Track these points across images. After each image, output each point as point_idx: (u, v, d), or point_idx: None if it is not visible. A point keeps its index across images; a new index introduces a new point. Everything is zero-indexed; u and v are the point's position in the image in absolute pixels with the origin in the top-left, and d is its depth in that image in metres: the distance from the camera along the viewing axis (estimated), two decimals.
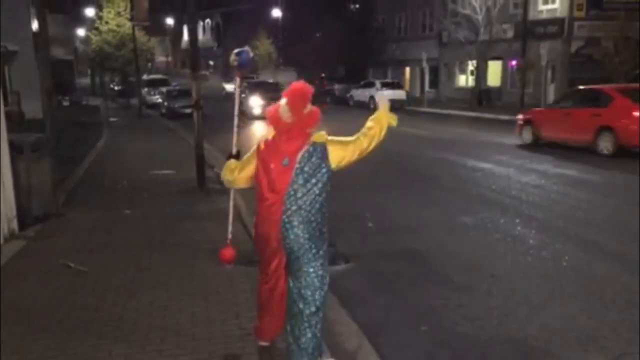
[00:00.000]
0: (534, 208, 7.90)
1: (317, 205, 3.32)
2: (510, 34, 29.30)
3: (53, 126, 15.66)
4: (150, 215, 7.62)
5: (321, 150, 3.31)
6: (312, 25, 41.50)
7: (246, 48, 3.79)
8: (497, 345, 4.13)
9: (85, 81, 50.39)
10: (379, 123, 3.50)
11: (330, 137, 3.39)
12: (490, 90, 30.65)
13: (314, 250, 3.36)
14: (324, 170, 3.31)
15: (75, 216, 7.53)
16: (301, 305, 3.34)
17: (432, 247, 6.33)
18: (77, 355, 3.74)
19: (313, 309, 3.35)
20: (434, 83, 36.43)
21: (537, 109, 16.33)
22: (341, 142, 3.40)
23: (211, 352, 3.80)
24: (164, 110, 27.57)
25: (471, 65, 31.76)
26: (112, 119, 24.57)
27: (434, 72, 36.18)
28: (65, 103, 30.64)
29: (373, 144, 3.46)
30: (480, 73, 30.67)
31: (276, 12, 50.16)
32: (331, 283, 5.26)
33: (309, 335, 3.35)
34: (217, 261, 3.87)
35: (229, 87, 41.86)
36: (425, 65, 32.15)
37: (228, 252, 3.73)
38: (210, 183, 9.35)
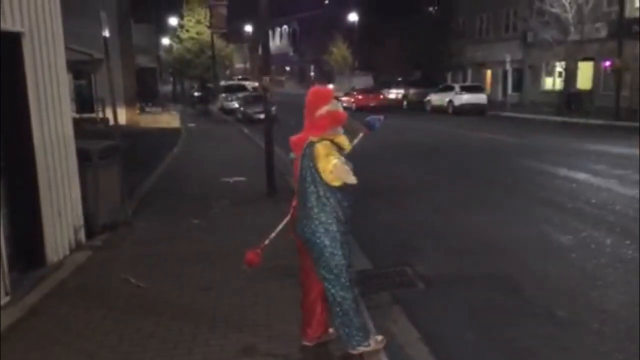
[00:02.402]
0: None
1: (314, 203, 3.41)
2: (603, 33, 27.23)
3: (132, 132, 15.95)
4: (217, 225, 7.28)
5: (311, 150, 3.39)
6: (389, 28, 40.73)
7: (381, 117, 3.91)
8: None
9: (168, 88, 52.21)
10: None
11: (325, 143, 3.38)
12: (580, 94, 28.58)
13: (318, 247, 3.46)
14: (313, 169, 3.40)
15: (143, 225, 7.31)
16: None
17: (527, 272, 5.53)
18: None
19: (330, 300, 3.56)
20: (518, 86, 34.58)
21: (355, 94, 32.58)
22: (325, 153, 3.35)
23: None
24: (239, 116, 27.78)
25: (559, 66, 29.84)
26: (190, 125, 24.99)
27: (518, 74, 34.37)
28: (148, 109, 31.67)
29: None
30: (570, 75, 28.70)
31: (352, 17, 49.75)
32: (410, 311, 4.72)
33: (336, 323, 3.59)
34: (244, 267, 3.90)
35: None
36: (508, 67, 30.58)
37: (254, 257, 3.80)
38: (281, 191, 8.94)
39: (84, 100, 22.77)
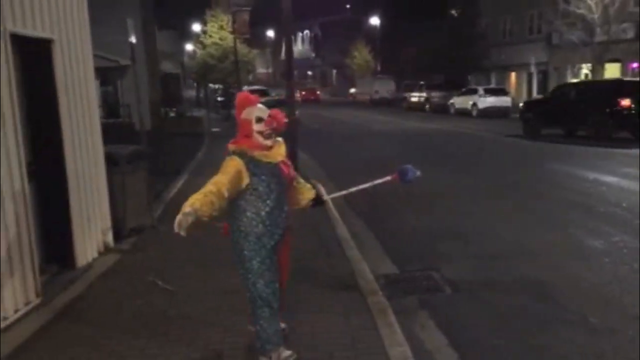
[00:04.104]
0: None
1: (234, 210, 3.42)
2: (630, 33, 26.75)
3: (157, 137, 16.15)
4: None
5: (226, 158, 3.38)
6: (411, 32, 40.60)
7: (418, 174, 4.02)
8: None
9: (192, 93, 52.74)
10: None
11: (233, 158, 3.33)
12: None
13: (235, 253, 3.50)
14: None
15: (169, 229, 7.33)
16: None
17: (558, 277, 5.42)
18: None
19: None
20: (543, 88, 34.14)
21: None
22: (223, 170, 3.31)
23: None
24: None
25: (586, 68, 29.39)
26: (213, 130, 25.17)
27: (543, 76, 33.92)
28: (172, 114, 32.01)
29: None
30: (596, 77, 28.22)
31: (374, 20, 49.69)
32: (438, 316, 4.66)
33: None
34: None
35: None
36: (533, 69, 30.20)
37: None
38: None
39: (110, 106, 23.16)
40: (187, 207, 3.07)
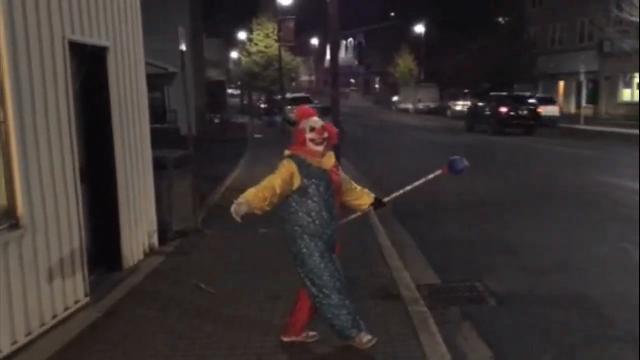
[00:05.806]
0: None
1: (289, 211, 3.75)
2: None
3: (202, 142, 16.46)
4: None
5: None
6: (456, 40, 40.12)
7: (466, 164, 4.09)
8: None
9: (235, 100, 53.60)
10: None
11: (289, 161, 3.67)
12: None
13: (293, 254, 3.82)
14: None
15: (213, 233, 7.49)
16: None
17: (607, 292, 5.25)
18: None
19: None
20: (593, 98, 33.13)
21: None
22: (279, 174, 3.65)
23: None
24: None
25: (638, 77, 28.41)
26: (257, 136, 25.48)
27: (593, 86, 32.93)
28: (216, 121, 32.58)
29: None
30: None
31: (419, 29, 49.37)
32: (481, 328, 4.57)
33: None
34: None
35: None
36: (583, 78, 29.36)
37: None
38: None
39: (157, 112, 23.76)
40: (241, 199, 3.52)
